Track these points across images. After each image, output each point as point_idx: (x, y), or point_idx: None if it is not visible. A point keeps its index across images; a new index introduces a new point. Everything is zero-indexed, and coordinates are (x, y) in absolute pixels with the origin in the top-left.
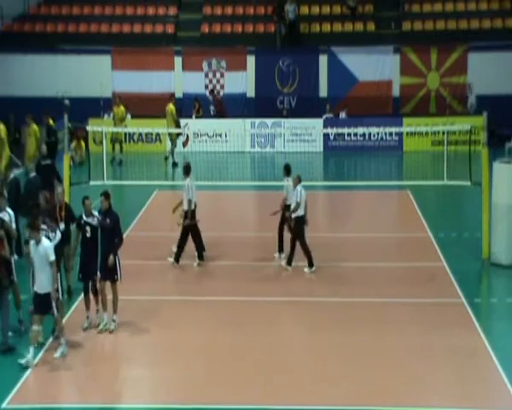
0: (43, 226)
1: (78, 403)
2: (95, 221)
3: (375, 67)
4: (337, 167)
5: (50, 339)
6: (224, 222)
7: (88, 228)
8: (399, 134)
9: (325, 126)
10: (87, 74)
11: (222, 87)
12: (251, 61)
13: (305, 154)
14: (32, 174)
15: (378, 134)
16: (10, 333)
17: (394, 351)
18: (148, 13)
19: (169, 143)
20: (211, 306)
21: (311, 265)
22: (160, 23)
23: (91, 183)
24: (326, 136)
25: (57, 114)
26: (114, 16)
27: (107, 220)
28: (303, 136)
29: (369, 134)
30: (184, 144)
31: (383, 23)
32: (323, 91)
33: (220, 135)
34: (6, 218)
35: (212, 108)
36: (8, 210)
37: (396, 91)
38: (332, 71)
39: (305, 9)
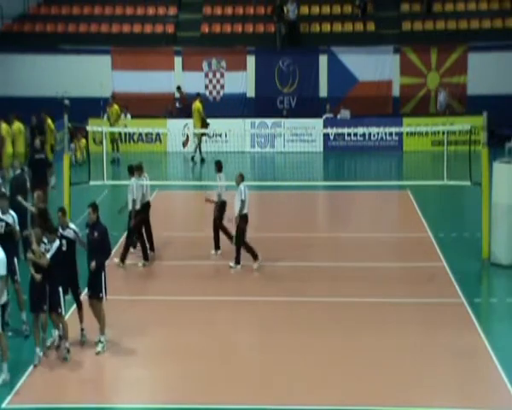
0: (44, 240)
1: (77, 403)
2: (71, 234)
3: (375, 67)
4: (337, 167)
5: (51, 339)
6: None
7: (64, 241)
8: (399, 134)
9: (325, 126)
10: (87, 74)
11: (222, 87)
12: (251, 61)
13: (305, 154)
14: (17, 171)
15: (378, 134)
16: (10, 333)
17: (394, 351)
18: (148, 13)
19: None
20: (209, 306)
21: (256, 258)
22: (160, 23)
23: (91, 183)
24: (326, 136)
25: (57, 113)
26: (114, 16)
27: (95, 234)
28: (303, 136)
29: (369, 134)
30: (184, 144)
31: (383, 23)
32: (323, 91)
33: (220, 135)
34: (9, 220)
35: (177, 104)
36: (12, 212)
37: (396, 91)
38: (332, 71)
39: (305, 9)
